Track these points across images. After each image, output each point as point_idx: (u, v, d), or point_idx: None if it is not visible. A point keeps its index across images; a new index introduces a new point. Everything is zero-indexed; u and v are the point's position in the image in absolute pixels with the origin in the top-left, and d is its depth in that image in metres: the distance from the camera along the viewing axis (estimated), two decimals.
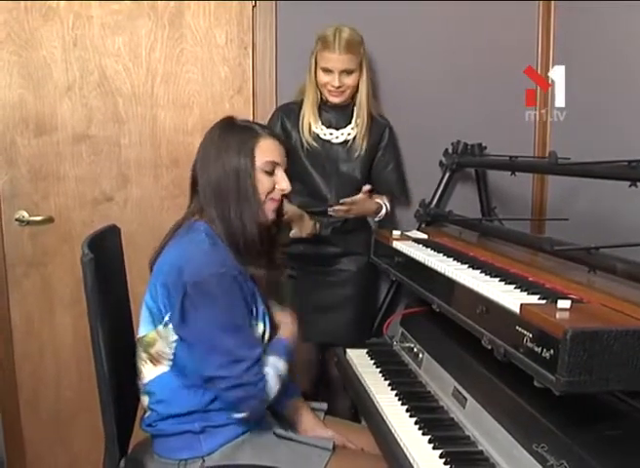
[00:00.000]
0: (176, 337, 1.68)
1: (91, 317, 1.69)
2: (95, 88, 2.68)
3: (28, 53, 2.61)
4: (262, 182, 1.74)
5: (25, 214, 2.69)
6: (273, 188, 1.77)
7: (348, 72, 2.42)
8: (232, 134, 1.76)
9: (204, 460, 1.70)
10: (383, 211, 2.56)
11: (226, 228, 1.72)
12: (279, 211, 1.84)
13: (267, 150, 1.75)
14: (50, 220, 2.72)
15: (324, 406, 2.02)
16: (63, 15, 2.61)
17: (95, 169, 2.73)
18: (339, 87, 2.42)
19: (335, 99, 2.47)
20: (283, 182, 1.77)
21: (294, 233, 2.36)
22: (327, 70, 2.42)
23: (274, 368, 1.71)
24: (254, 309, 1.74)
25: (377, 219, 2.59)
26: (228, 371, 1.62)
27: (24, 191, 2.70)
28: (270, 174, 1.76)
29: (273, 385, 1.68)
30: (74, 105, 2.68)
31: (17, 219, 2.69)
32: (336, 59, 2.39)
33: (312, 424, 1.91)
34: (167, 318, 1.68)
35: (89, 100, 2.68)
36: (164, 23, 2.68)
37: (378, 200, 2.56)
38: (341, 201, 2.38)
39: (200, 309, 1.62)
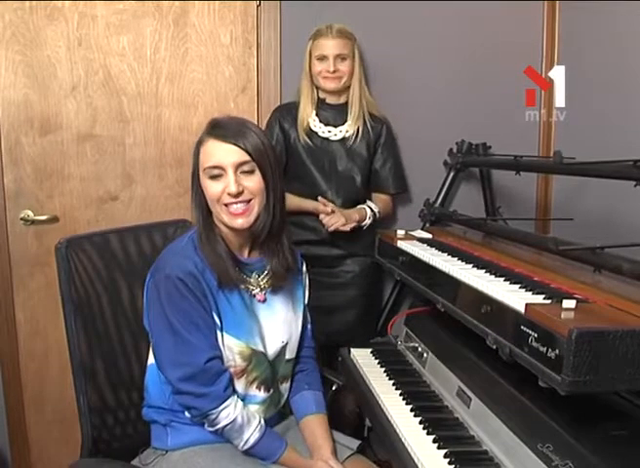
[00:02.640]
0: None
1: (64, 307, 1.75)
2: (99, 87, 2.68)
3: (33, 52, 2.61)
4: (207, 189, 1.65)
5: (30, 214, 2.70)
6: (223, 193, 1.63)
7: (342, 58, 2.47)
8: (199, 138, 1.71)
9: (165, 454, 1.71)
10: (368, 220, 2.54)
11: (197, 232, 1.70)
12: (259, 217, 1.68)
13: (208, 154, 1.64)
14: (55, 220, 2.72)
15: (354, 443, 1.86)
16: (68, 14, 2.62)
17: (99, 168, 2.73)
18: (334, 71, 2.46)
19: (331, 85, 2.50)
20: (230, 184, 1.61)
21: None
22: (321, 57, 2.47)
23: (245, 419, 1.65)
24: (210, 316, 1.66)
25: (363, 225, 2.54)
26: (170, 374, 1.64)
27: (29, 191, 2.70)
28: (216, 179, 1.63)
29: (228, 414, 1.62)
30: (79, 105, 2.68)
31: (21, 219, 2.70)
32: (330, 45, 2.46)
33: (322, 449, 1.75)
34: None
35: (93, 100, 2.69)
36: (169, 23, 2.68)
37: (360, 206, 2.56)
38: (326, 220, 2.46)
39: (151, 307, 1.66)
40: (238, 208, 1.63)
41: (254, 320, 1.74)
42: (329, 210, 2.44)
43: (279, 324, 1.80)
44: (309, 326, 1.96)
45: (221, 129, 1.66)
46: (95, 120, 2.70)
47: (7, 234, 2.70)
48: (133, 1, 2.65)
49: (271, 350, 1.77)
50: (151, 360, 1.75)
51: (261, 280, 1.77)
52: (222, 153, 1.62)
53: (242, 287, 1.72)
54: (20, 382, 2.80)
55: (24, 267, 2.74)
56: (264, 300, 1.77)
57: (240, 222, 1.64)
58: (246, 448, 1.66)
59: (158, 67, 2.71)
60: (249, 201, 1.64)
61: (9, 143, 2.66)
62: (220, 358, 1.65)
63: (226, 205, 1.63)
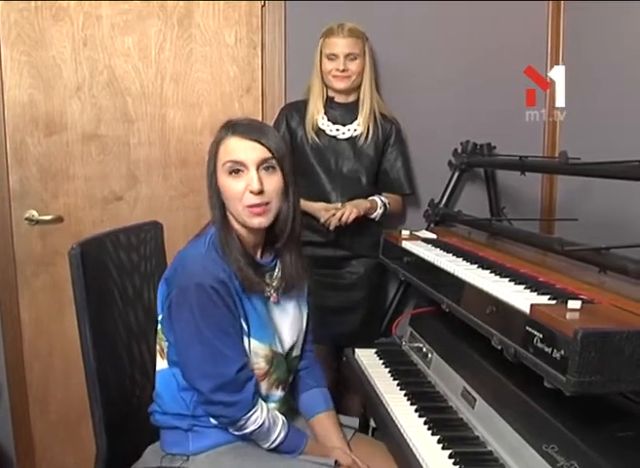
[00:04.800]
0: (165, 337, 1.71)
1: (78, 313, 1.70)
2: (104, 87, 2.69)
3: (38, 53, 2.62)
4: (228, 187, 1.61)
5: (35, 214, 2.70)
6: (244, 192, 1.60)
7: (353, 57, 2.47)
8: (214, 137, 1.67)
9: (188, 459, 1.69)
10: (380, 209, 2.54)
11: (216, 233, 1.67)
12: (279, 218, 1.66)
13: (229, 151, 1.61)
14: (59, 220, 2.73)
15: (355, 422, 1.93)
16: (73, 15, 2.62)
17: (104, 168, 2.73)
18: (344, 70, 2.46)
19: (340, 84, 2.50)
20: (252, 181, 1.58)
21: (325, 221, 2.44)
22: (332, 56, 2.47)
23: (271, 420, 1.66)
24: (239, 323, 1.64)
25: (373, 216, 2.54)
26: (200, 385, 1.61)
27: (34, 191, 2.71)
28: (236, 175, 1.60)
29: (257, 417, 1.62)
30: (84, 105, 2.69)
31: (26, 219, 2.70)
32: (340, 44, 2.46)
33: (336, 444, 1.80)
34: (160, 317, 1.70)
35: (98, 100, 2.69)
36: (173, 23, 2.69)
37: (370, 198, 2.55)
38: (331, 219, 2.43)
39: (177, 316, 1.62)
40: (259, 207, 1.61)
41: (272, 322, 1.74)
42: (338, 214, 2.42)
43: (290, 324, 1.80)
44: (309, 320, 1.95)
45: (242, 127, 1.64)
46: (99, 120, 2.71)
47: (12, 234, 2.71)
48: (137, 1, 2.65)
49: (285, 350, 1.78)
50: (161, 365, 1.74)
51: (273, 281, 1.76)
52: (245, 149, 1.60)
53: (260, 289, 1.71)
54: (25, 382, 2.80)
55: (29, 267, 2.75)
56: (278, 301, 1.77)
57: (258, 221, 1.62)
58: (272, 447, 1.67)
59: (163, 68, 2.71)
60: (269, 200, 1.62)
61: (14, 144, 2.66)
62: (248, 364, 1.65)
63: (247, 205, 1.61)
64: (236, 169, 1.60)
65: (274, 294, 1.76)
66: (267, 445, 1.67)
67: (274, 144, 1.62)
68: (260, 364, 1.68)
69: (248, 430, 1.63)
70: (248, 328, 1.66)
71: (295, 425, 1.80)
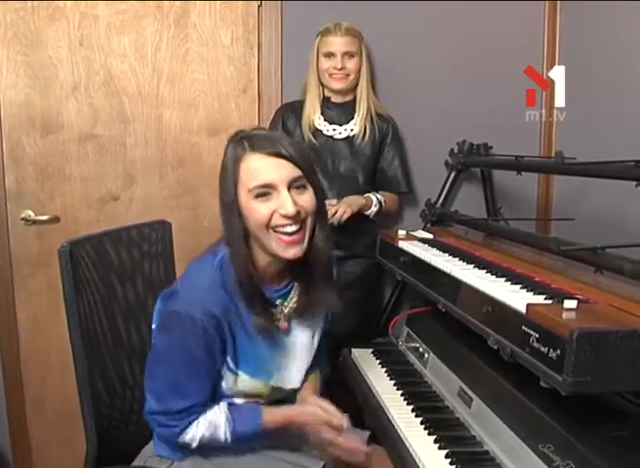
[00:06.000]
0: None
1: (67, 310, 1.70)
2: (100, 87, 2.68)
3: (34, 52, 2.61)
4: (254, 212, 1.45)
5: (31, 214, 2.70)
6: (272, 214, 1.45)
7: (350, 55, 2.48)
8: (225, 155, 1.52)
9: (172, 463, 1.65)
10: (374, 207, 2.53)
11: (231, 262, 1.53)
12: (314, 244, 1.51)
13: (253, 172, 1.45)
14: (56, 220, 2.72)
15: (364, 435, 1.79)
16: (70, 14, 2.62)
17: (100, 168, 2.73)
18: (341, 68, 2.47)
19: (337, 84, 2.51)
20: (285, 204, 1.43)
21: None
22: (329, 55, 2.48)
23: (210, 426, 1.55)
24: (223, 359, 1.55)
25: (368, 213, 2.53)
26: (148, 396, 1.57)
27: (30, 191, 2.70)
28: (265, 199, 1.45)
29: (192, 437, 1.55)
30: (80, 105, 2.68)
31: (22, 219, 2.70)
32: (338, 42, 2.47)
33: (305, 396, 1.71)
34: (154, 326, 1.63)
35: (95, 100, 2.69)
36: (170, 23, 2.68)
37: (366, 195, 2.54)
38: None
39: (160, 333, 1.58)
40: (292, 235, 1.46)
41: (274, 355, 1.63)
42: (332, 210, 2.40)
43: (300, 354, 1.70)
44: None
45: (259, 140, 1.48)
46: (96, 120, 2.70)
47: (8, 234, 2.70)
48: (134, 1, 2.65)
49: (289, 383, 1.68)
50: None
51: (286, 307, 1.63)
52: (271, 168, 1.44)
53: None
54: (22, 382, 2.80)
55: (25, 267, 2.74)
56: (287, 330, 1.65)
57: (293, 252, 1.48)
58: (229, 442, 1.58)
59: (159, 68, 2.71)
60: (303, 221, 1.48)
61: (10, 143, 2.66)
62: (201, 404, 1.55)
63: (276, 229, 1.46)
64: (263, 192, 1.45)
65: (284, 323, 1.63)
66: (222, 443, 1.57)
67: (300, 157, 1.47)
68: (249, 396, 1.62)
69: (192, 446, 1.57)
70: (237, 363, 1.56)
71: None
